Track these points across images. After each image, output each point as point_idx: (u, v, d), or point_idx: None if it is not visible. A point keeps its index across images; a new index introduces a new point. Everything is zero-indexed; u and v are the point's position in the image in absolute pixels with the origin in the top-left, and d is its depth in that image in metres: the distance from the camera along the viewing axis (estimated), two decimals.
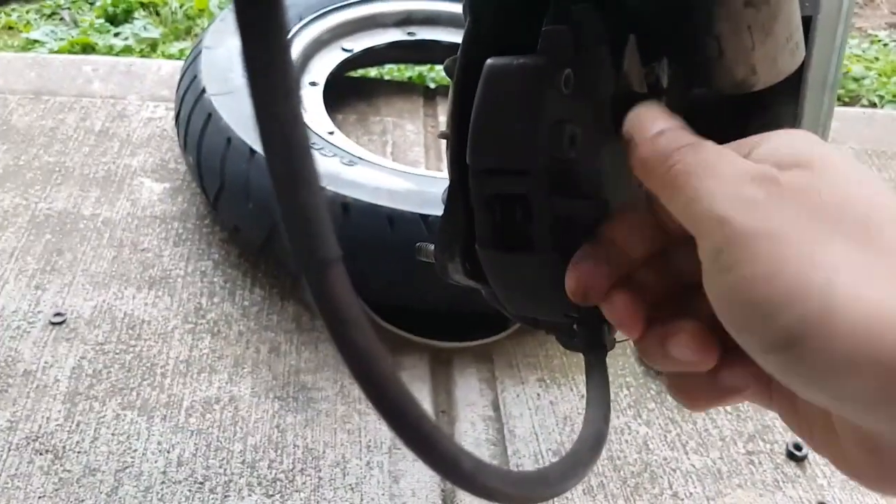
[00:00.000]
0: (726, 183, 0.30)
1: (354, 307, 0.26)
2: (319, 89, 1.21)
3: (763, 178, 0.30)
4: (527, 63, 0.52)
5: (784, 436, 0.91)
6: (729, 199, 0.29)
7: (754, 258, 0.28)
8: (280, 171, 0.23)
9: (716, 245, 0.29)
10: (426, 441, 0.28)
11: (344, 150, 1.02)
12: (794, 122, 0.60)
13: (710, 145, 0.35)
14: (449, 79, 0.60)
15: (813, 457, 0.89)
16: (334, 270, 0.25)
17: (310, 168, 0.24)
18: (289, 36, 0.25)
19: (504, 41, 0.57)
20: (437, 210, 0.91)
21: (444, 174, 1.11)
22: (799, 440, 0.89)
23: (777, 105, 0.60)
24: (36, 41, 1.73)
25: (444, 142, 1.28)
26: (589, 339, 0.57)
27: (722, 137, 0.68)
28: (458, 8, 1.38)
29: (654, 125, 0.40)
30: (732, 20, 0.54)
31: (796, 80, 0.60)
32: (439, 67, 1.50)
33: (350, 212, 0.91)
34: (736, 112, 0.62)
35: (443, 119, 1.39)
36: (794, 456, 0.88)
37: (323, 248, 0.25)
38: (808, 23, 0.59)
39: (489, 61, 0.54)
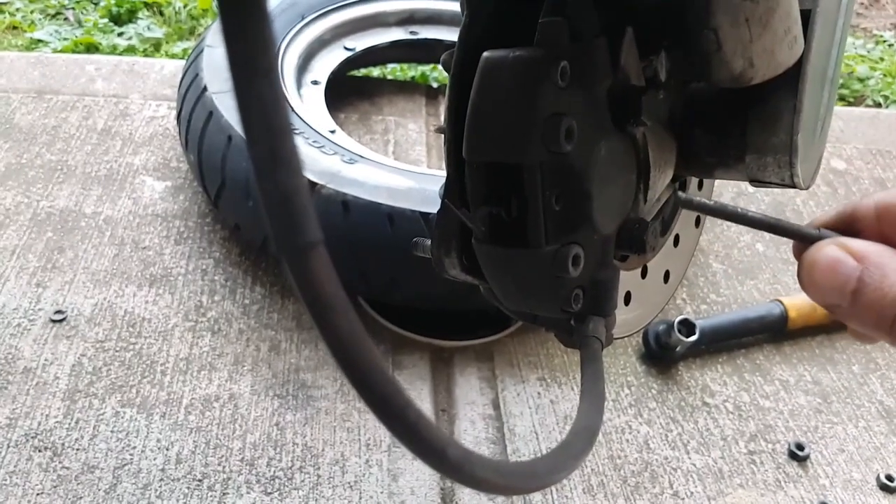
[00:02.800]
0: None
1: (337, 291, 0.25)
2: (321, 88, 1.20)
3: None
4: (522, 55, 0.52)
5: (786, 435, 0.90)
6: None
7: None
8: (259, 151, 0.23)
9: None
10: (411, 429, 0.27)
11: (345, 149, 1.02)
12: (793, 116, 0.60)
13: None
14: (446, 73, 0.60)
15: (815, 457, 0.88)
16: (315, 253, 0.25)
17: (290, 149, 0.23)
18: (277, 28, 0.25)
19: (500, 34, 0.57)
20: (437, 208, 0.91)
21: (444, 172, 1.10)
22: (801, 440, 0.89)
23: (776, 99, 0.60)
24: (40, 41, 1.74)
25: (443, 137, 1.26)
26: (585, 333, 0.57)
27: (721, 131, 0.68)
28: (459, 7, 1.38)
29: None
30: (730, 12, 0.53)
31: (795, 73, 0.59)
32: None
33: (350, 210, 0.91)
34: (734, 105, 0.61)
35: None
36: (796, 456, 0.87)
37: (303, 231, 0.24)
38: (807, 16, 0.59)
39: (485, 54, 0.53)
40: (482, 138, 0.53)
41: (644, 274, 0.70)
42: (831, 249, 0.33)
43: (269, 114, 0.23)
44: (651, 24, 0.56)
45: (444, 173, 1.11)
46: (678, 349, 0.94)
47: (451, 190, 0.59)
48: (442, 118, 1.38)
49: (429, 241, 0.63)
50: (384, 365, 0.26)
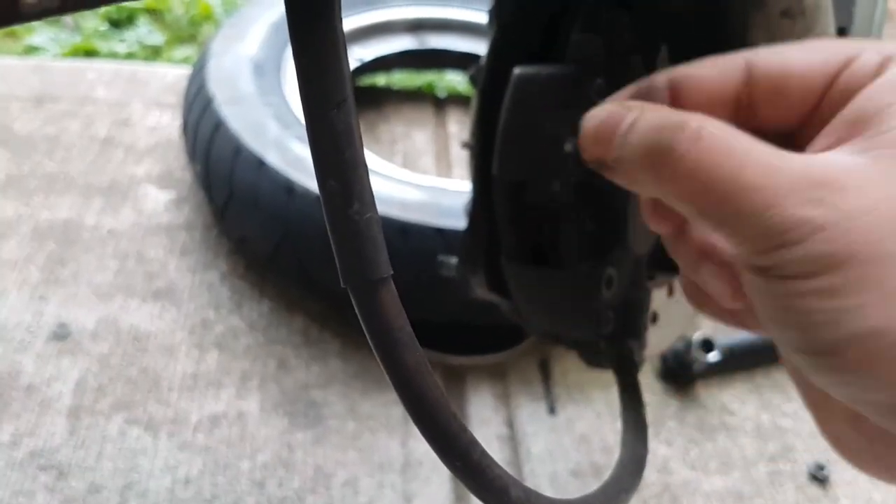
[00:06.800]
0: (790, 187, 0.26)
1: (404, 326, 0.25)
2: None
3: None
4: (556, 72, 0.50)
5: (805, 456, 0.89)
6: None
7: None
8: (331, 185, 0.22)
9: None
10: (474, 469, 0.26)
11: None
12: None
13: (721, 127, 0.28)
14: (473, 87, 0.59)
15: (835, 479, 0.87)
16: (385, 289, 0.24)
17: (363, 182, 0.22)
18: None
19: (531, 49, 0.55)
20: (452, 221, 0.89)
21: (454, 183, 1.08)
22: (822, 461, 0.87)
23: None
24: (38, 47, 1.72)
25: (455, 151, 1.25)
26: (620, 357, 0.55)
27: None
28: (467, 16, 1.36)
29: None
30: (768, 30, 0.52)
31: None
32: (449, 77, 1.48)
33: None
34: None
35: (453, 129, 1.37)
36: (817, 478, 0.86)
37: (374, 266, 0.24)
38: (842, 34, 0.57)
39: (517, 70, 0.52)
40: (514, 156, 0.52)
41: (671, 292, 0.69)
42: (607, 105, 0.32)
43: (342, 147, 0.21)
44: (685, 40, 0.55)
45: (457, 185, 1.09)
46: (697, 367, 0.93)
47: (478, 207, 0.58)
48: (449, 129, 1.37)
49: (453, 260, 0.61)
50: (448, 402, 0.25)
